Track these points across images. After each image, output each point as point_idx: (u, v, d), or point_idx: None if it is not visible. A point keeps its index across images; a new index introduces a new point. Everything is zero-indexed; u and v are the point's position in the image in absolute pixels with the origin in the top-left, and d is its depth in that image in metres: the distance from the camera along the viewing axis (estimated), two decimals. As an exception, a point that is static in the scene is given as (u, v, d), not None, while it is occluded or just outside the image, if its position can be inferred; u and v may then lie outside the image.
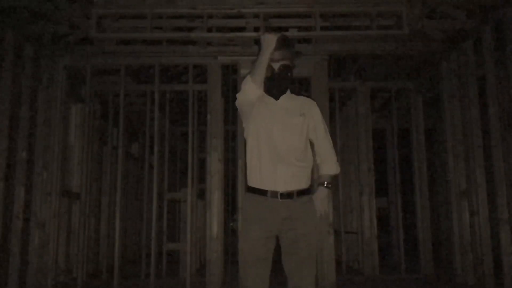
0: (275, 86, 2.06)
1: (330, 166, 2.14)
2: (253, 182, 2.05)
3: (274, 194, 1.98)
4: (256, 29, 4.17)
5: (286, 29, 4.20)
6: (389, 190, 6.43)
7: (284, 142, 2.02)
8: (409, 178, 5.37)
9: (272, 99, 2.10)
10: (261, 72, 1.98)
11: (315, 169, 2.16)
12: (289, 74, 2.05)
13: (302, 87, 6.06)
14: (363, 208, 5.15)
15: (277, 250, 2.06)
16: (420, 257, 5.01)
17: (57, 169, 4.36)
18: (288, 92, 2.13)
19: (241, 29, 4.27)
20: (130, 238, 6.71)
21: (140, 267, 4.82)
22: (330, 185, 2.12)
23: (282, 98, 2.10)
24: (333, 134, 5.09)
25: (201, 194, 5.22)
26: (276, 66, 2.02)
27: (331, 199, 4.35)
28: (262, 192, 2.00)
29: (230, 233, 6.23)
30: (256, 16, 4.11)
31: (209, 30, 4.17)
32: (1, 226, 3.69)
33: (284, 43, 2.04)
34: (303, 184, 2.04)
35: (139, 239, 6.67)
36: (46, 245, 4.20)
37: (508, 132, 3.83)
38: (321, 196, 2.09)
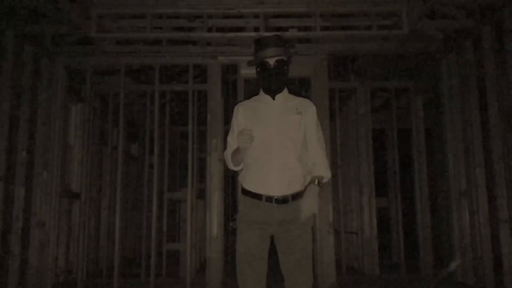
0: (272, 81, 2.05)
1: (321, 170, 2.10)
2: (248, 185, 2.06)
3: (269, 199, 1.99)
4: (256, 29, 4.17)
5: (286, 29, 4.21)
6: (389, 190, 6.43)
7: (281, 140, 2.02)
8: (409, 178, 5.37)
9: (269, 98, 2.10)
10: (240, 162, 2.10)
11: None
12: (285, 68, 2.06)
13: (302, 87, 6.06)
14: (363, 208, 5.15)
15: (274, 251, 2.07)
16: (420, 257, 5.01)
17: (57, 169, 4.36)
18: (286, 91, 2.14)
19: (241, 29, 4.27)
20: (130, 238, 6.71)
21: (140, 267, 4.82)
22: (321, 184, 2.06)
23: (279, 97, 2.10)
24: (333, 134, 5.18)
25: (201, 194, 5.22)
26: (271, 61, 2.03)
27: (330, 201, 4.35)
28: (256, 196, 2.01)
29: (230, 233, 6.23)
30: (256, 16, 4.12)
31: (209, 30, 4.18)
32: (1, 226, 3.69)
33: (279, 41, 2.07)
34: (298, 187, 2.04)
35: (139, 239, 6.67)
36: (46, 245, 4.20)
37: (508, 132, 3.82)
38: (310, 194, 2.00)
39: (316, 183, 2.04)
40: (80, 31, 4.08)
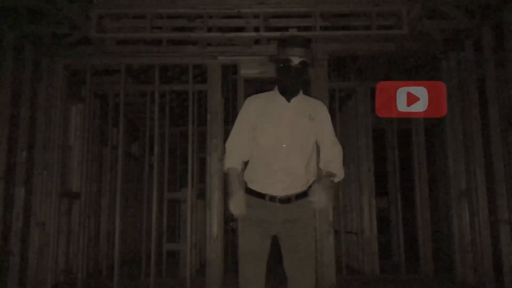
0: (292, 81, 2.03)
1: (335, 168, 2.08)
2: (252, 185, 2.06)
3: (273, 198, 2.00)
4: (256, 29, 4.17)
5: (286, 29, 4.21)
6: (389, 190, 6.43)
7: (290, 144, 2.01)
8: (409, 178, 5.37)
9: (283, 100, 2.07)
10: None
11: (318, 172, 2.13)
12: (307, 70, 2.04)
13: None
14: (363, 208, 5.15)
15: (277, 250, 2.08)
16: (420, 257, 5.01)
17: (57, 169, 4.36)
18: (301, 93, 2.12)
19: (241, 29, 4.27)
20: (130, 239, 6.71)
21: (140, 267, 4.82)
22: (333, 178, 2.04)
23: (294, 100, 2.08)
24: (333, 134, 5.16)
25: (201, 194, 5.22)
26: (296, 60, 2.00)
27: (330, 197, 4.33)
28: (260, 196, 2.02)
29: (230, 233, 6.23)
30: (256, 16, 4.11)
31: (209, 30, 4.18)
32: (1, 226, 3.69)
33: (306, 43, 2.05)
34: (302, 187, 2.05)
35: (139, 239, 6.67)
36: (46, 245, 4.20)
37: (508, 132, 3.83)
38: (322, 186, 1.97)
39: (327, 176, 2.03)
40: (80, 31, 4.08)
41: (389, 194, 6.46)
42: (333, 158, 2.11)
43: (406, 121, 5.62)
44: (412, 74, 5.28)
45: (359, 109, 5.31)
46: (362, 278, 4.85)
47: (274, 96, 2.10)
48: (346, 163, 5.87)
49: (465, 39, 4.17)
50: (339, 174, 2.09)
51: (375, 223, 5.10)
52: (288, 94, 2.07)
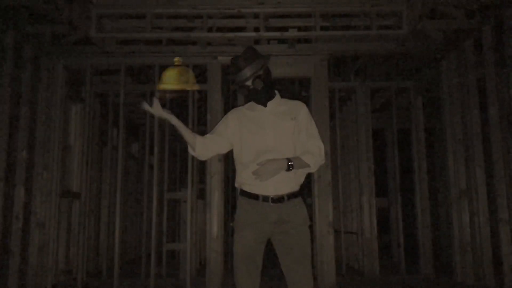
0: (258, 97, 2.11)
1: (308, 158, 2.04)
2: (245, 186, 2.09)
3: (266, 198, 2.03)
4: (256, 29, 4.17)
5: (286, 29, 4.21)
6: (389, 190, 6.43)
7: (277, 146, 2.05)
8: (409, 178, 5.37)
9: (261, 106, 2.14)
10: (189, 141, 2.18)
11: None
12: (265, 78, 2.09)
13: (302, 87, 6.06)
14: (363, 208, 5.15)
15: (273, 251, 2.10)
16: (420, 257, 5.01)
17: (57, 169, 4.36)
18: (278, 96, 2.17)
19: (241, 29, 4.27)
20: (130, 238, 6.71)
21: (140, 267, 4.82)
22: (292, 166, 1.98)
23: (272, 103, 2.14)
24: (333, 134, 5.17)
25: (201, 194, 5.22)
26: (249, 83, 2.08)
27: (330, 201, 4.32)
28: (254, 197, 2.05)
29: (230, 233, 6.23)
30: (256, 16, 4.12)
31: (209, 30, 4.18)
32: (1, 226, 3.69)
33: (249, 57, 2.08)
34: (293, 187, 2.07)
35: (139, 239, 6.67)
36: (46, 245, 4.20)
37: (508, 132, 3.82)
38: (273, 161, 1.96)
39: (289, 162, 1.99)
40: (80, 31, 4.08)
41: (389, 194, 6.46)
42: (308, 150, 2.08)
43: (406, 121, 5.62)
44: (412, 74, 5.28)
45: (359, 109, 5.31)
46: (362, 278, 4.85)
47: (252, 105, 2.18)
48: (346, 163, 5.90)
49: (465, 39, 4.17)
50: (312, 166, 2.06)
51: (375, 223, 5.10)
52: (262, 102, 2.13)
